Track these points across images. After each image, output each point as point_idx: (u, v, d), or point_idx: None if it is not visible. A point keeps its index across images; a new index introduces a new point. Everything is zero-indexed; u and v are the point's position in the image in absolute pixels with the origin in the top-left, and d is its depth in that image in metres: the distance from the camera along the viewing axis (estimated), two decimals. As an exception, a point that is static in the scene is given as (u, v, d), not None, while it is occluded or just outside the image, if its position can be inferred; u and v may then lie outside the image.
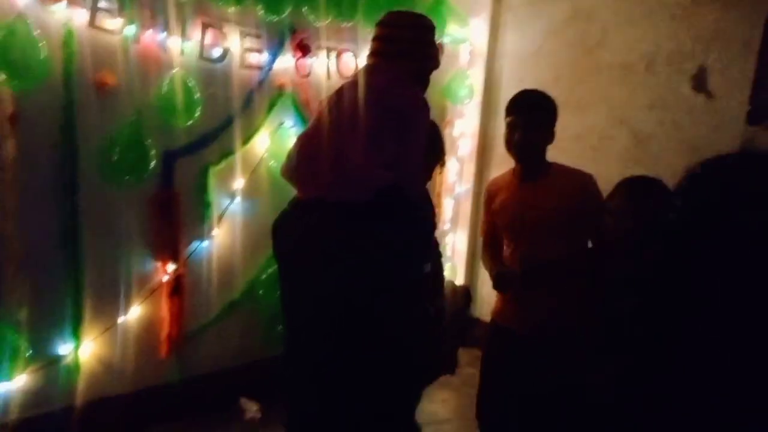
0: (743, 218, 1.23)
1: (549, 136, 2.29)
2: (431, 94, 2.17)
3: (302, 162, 1.95)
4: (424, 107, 1.98)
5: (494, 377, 2.31)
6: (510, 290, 2.18)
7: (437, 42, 2.16)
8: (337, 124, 1.91)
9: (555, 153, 3.68)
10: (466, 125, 4.05)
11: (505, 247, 2.30)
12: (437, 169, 2.35)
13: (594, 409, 1.63)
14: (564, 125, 3.56)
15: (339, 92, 2.00)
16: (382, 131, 1.86)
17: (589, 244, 2.24)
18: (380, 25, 2.09)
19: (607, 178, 2.24)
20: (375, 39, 2.08)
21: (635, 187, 1.92)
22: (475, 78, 3.95)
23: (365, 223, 1.82)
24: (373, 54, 2.08)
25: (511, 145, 2.20)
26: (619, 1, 3.27)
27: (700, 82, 2.97)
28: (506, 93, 3.90)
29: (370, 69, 2.04)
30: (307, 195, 1.94)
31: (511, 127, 2.19)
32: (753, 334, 1.24)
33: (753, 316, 1.23)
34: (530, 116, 2.20)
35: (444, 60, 3.78)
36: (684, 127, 3.02)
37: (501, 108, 3.96)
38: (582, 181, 2.22)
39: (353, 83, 1.98)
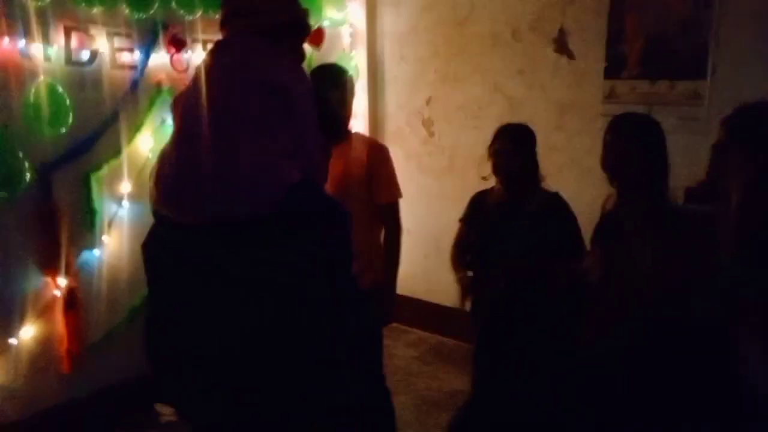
0: None
1: None
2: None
3: (173, 181, 1.52)
4: (307, 79, 1.66)
5: None
6: None
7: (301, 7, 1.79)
8: (207, 122, 1.51)
9: (442, 125, 3.85)
10: (355, 105, 4.11)
11: None
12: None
13: None
14: (447, 97, 3.76)
15: (196, 85, 1.60)
16: (267, 116, 1.50)
17: None
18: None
19: (488, 141, 2.43)
20: (226, 15, 1.72)
21: (513, 131, 2.38)
22: (359, 59, 4.03)
23: (287, 242, 1.45)
24: (226, 29, 1.72)
25: None
26: (481, -26, 3.44)
27: (561, 45, 3.18)
28: (390, 71, 4.02)
29: (227, 46, 1.68)
30: (191, 220, 1.50)
31: None
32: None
33: None
34: None
35: (327, 43, 3.89)
36: (551, 87, 3.24)
37: (387, 86, 4.11)
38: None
39: (213, 68, 1.60)
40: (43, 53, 2.60)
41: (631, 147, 1.96)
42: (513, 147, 2.33)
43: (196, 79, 1.62)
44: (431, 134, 3.88)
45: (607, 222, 2.10)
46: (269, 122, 1.51)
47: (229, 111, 1.51)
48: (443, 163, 3.83)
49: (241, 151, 1.46)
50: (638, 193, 1.96)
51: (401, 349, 3.81)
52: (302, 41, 1.79)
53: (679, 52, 2.82)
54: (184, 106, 1.61)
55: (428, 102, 3.86)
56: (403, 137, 4.04)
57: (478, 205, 2.52)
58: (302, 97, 1.57)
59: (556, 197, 2.40)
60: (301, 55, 1.78)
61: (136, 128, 2.97)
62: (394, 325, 3.39)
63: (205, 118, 1.51)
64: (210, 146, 1.47)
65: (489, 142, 2.40)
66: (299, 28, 1.75)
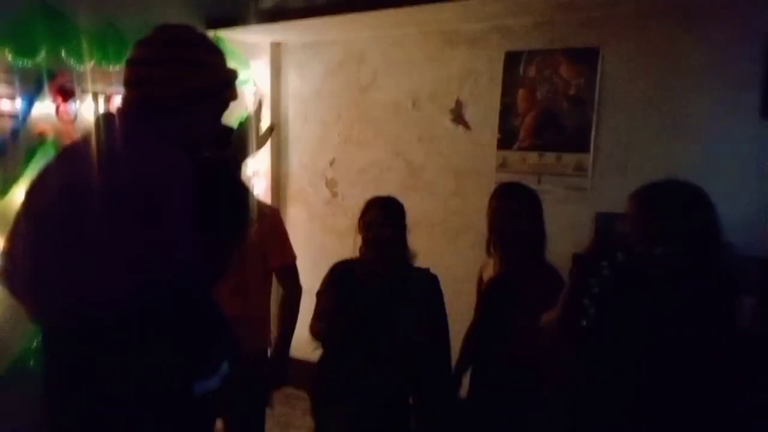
0: None
1: None
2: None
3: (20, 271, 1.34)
4: (180, 167, 1.34)
5: None
6: None
7: (219, 63, 1.47)
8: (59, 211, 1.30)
9: (345, 187, 3.86)
10: (258, 165, 4.06)
11: None
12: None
13: None
14: (351, 160, 3.79)
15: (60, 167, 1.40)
16: (121, 212, 1.26)
17: None
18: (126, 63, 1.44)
19: None
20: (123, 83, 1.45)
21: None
22: (263, 119, 3.99)
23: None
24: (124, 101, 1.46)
25: None
26: (384, 45, 3.56)
27: (457, 116, 3.32)
28: (294, 132, 4.02)
29: (108, 123, 1.39)
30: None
31: None
32: None
33: None
34: None
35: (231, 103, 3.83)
36: (448, 155, 3.35)
37: (290, 146, 4.10)
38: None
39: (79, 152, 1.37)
40: None
41: (516, 211, 2.15)
42: (384, 218, 2.29)
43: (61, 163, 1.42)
44: (334, 195, 3.88)
45: (496, 285, 2.18)
46: (123, 221, 1.27)
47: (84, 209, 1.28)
48: (346, 224, 3.81)
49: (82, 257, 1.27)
50: (522, 254, 2.14)
51: (299, 419, 3.64)
52: (215, 105, 1.49)
53: (566, 127, 3.02)
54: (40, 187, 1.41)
55: (332, 163, 3.87)
56: (306, 197, 4.01)
57: (342, 276, 2.40)
58: (168, 187, 1.31)
59: (427, 274, 2.38)
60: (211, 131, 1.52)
61: (12, 180, 2.74)
62: (291, 391, 3.25)
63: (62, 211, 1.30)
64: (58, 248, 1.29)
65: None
66: (209, 93, 1.45)
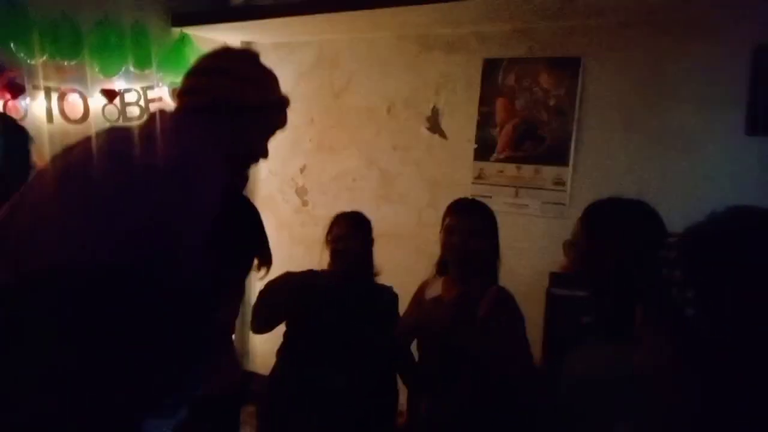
0: None
1: None
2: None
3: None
4: (208, 168, 1.33)
5: None
6: None
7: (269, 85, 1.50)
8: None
9: (316, 195, 3.70)
10: (225, 170, 3.90)
11: None
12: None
13: None
14: (322, 167, 3.63)
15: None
16: (149, 196, 1.25)
17: None
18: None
19: None
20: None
21: (352, 217, 2.29)
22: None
23: None
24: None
25: None
26: (358, 49, 3.42)
27: (433, 124, 3.19)
28: (263, 136, 3.85)
29: (161, 119, 1.41)
30: None
31: None
32: None
33: None
34: None
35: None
36: (424, 165, 3.21)
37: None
38: None
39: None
40: None
41: (474, 229, 2.01)
42: (353, 232, 2.27)
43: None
44: (305, 203, 3.72)
45: (455, 306, 2.03)
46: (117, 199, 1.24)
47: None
48: (316, 234, 3.65)
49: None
50: (478, 274, 2.02)
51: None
52: (264, 125, 1.50)
53: (545, 138, 2.91)
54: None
55: (302, 170, 3.71)
56: (275, 204, 3.84)
57: (302, 282, 2.31)
58: (188, 183, 1.29)
59: (389, 292, 2.32)
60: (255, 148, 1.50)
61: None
62: (252, 409, 3.07)
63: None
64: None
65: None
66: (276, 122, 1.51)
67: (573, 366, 1.53)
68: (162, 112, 1.45)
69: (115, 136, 1.38)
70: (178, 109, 1.46)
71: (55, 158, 1.37)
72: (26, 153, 1.50)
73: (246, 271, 1.59)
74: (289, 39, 3.64)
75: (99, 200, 1.24)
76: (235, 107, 1.41)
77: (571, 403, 1.47)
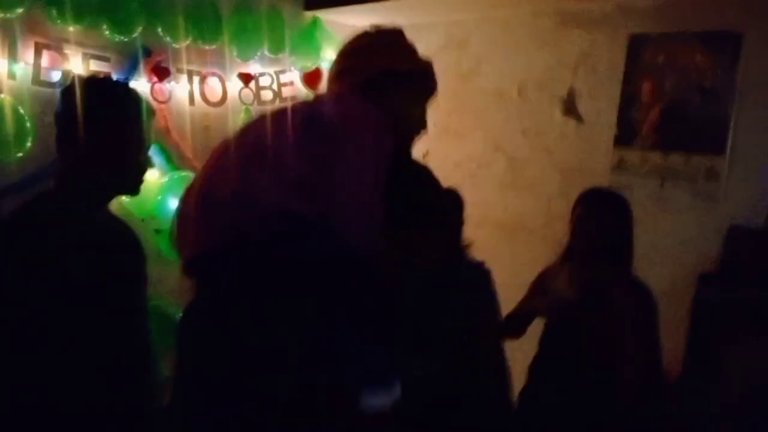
0: None
1: None
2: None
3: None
4: (370, 120, 1.39)
5: None
6: None
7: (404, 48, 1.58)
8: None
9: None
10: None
11: None
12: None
13: None
14: (445, 153, 3.54)
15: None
16: (290, 146, 1.34)
17: None
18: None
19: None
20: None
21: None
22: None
23: None
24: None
25: None
26: (489, 28, 3.28)
27: (569, 107, 2.98)
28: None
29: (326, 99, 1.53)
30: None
31: None
32: None
33: None
34: None
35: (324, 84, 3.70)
36: (556, 151, 3.02)
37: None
38: None
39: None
40: (8, 70, 2.40)
41: (605, 219, 1.98)
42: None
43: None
44: (426, 189, 3.66)
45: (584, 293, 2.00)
46: (288, 153, 1.35)
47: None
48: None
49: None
50: (608, 265, 1.98)
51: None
52: (417, 90, 1.56)
53: (698, 124, 2.61)
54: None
55: (425, 156, 3.63)
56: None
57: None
58: (349, 134, 1.37)
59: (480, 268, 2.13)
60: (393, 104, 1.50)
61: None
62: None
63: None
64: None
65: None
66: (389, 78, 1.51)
67: (739, 371, 1.42)
68: (325, 93, 1.58)
69: (295, 110, 1.46)
70: (339, 89, 1.53)
71: (243, 131, 1.47)
72: (143, 125, 1.57)
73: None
74: (418, 20, 3.57)
75: (289, 164, 1.32)
76: (394, 80, 1.49)
77: (744, 409, 1.37)
